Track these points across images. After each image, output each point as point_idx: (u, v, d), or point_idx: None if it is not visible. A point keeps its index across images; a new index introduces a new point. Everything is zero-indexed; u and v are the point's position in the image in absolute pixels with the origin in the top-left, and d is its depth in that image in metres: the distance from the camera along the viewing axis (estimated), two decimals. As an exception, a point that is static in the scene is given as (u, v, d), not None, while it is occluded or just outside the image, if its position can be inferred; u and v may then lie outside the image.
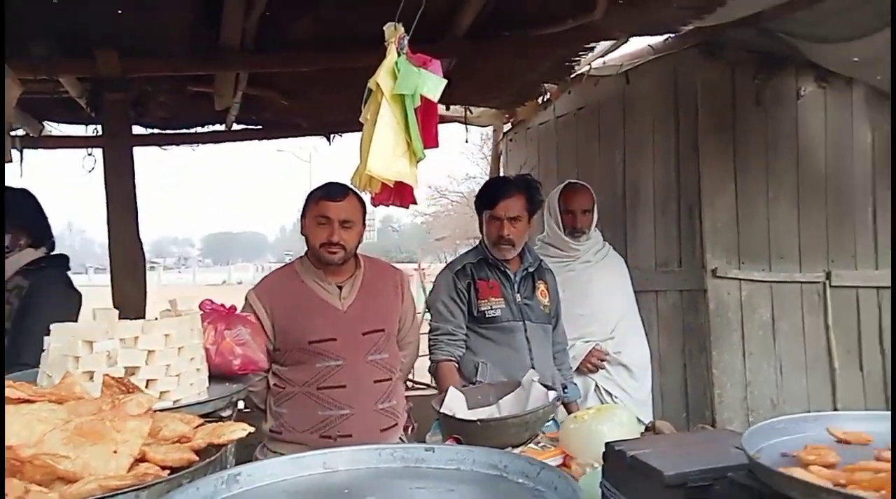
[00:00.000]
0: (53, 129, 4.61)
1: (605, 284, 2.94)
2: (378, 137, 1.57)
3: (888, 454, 1.12)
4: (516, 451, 1.51)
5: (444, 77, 3.86)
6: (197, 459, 1.14)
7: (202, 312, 1.89)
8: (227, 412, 1.70)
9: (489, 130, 6.06)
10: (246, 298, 2.32)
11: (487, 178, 6.23)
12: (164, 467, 1.10)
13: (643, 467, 1.38)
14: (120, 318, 1.77)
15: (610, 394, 2.85)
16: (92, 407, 1.23)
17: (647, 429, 2.14)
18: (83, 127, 4.41)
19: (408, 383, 5.64)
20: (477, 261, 2.64)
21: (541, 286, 2.69)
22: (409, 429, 2.41)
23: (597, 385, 2.88)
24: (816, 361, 3.62)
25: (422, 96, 1.59)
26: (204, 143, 4.69)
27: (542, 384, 1.65)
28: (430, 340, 2.59)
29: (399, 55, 1.59)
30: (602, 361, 2.86)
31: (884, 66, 2.88)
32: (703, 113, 3.38)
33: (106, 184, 3.20)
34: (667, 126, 3.57)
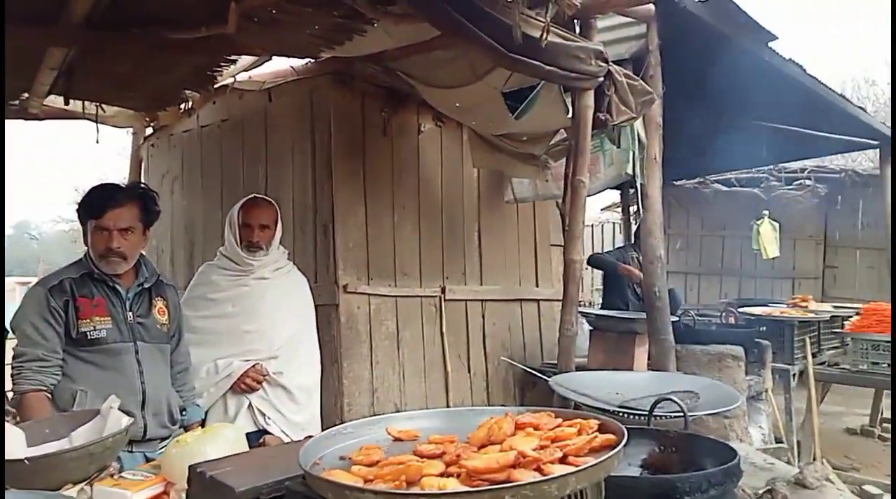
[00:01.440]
0: None
1: (278, 302, 2.86)
2: None
3: (424, 447, 1.28)
4: (76, 488, 1.36)
5: (66, 67, 3.42)
6: None
7: None
8: None
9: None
10: None
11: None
12: None
13: (219, 486, 1.37)
14: None
15: (263, 414, 2.77)
16: None
17: (258, 445, 2.15)
18: None
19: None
20: (80, 276, 2.35)
21: (158, 303, 2.50)
22: None
23: (251, 405, 2.78)
24: (433, 366, 4.09)
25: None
26: None
27: (122, 410, 1.51)
28: (13, 368, 2.21)
29: None
30: (258, 382, 2.77)
31: (475, 114, 3.42)
32: (336, 138, 3.59)
33: None
34: (305, 147, 3.70)
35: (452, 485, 1.01)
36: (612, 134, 3.37)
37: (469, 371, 4.36)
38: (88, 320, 2.30)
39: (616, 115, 3.02)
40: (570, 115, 3.14)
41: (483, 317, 4.44)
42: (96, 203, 2.37)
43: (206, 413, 2.73)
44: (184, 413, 2.53)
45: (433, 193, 4.13)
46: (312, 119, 3.66)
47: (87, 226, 2.38)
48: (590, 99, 2.93)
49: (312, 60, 3.63)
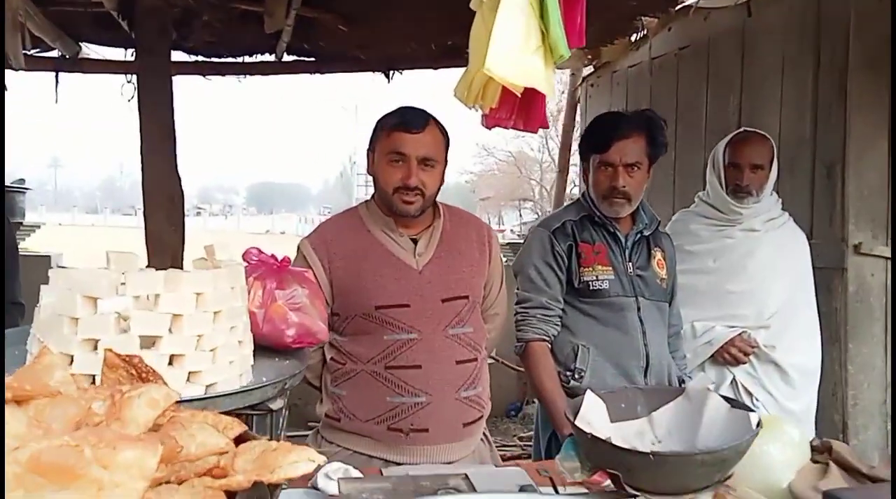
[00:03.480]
0: (92, 52, 4.20)
1: (771, 260, 2.38)
2: (501, 24, 1.04)
3: None
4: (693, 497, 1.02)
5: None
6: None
7: (246, 265, 1.44)
8: (278, 404, 1.26)
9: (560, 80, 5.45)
10: (298, 249, 1.86)
11: (563, 132, 5.63)
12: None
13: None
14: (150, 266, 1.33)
15: (750, 394, 2.31)
16: (73, 410, 0.78)
17: (815, 450, 1.65)
18: (123, 51, 4.01)
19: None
20: (579, 218, 2.13)
21: (657, 254, 2.17)
22: None
23: (734, 380, 2.34)
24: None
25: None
26: (252, 74, 4.22)
27: (723, 397, 1.14)
28: (518, 314, 2.10)
29: None
30: (746, 354, 2.32)
31: None
32: (854, 50, 2.75)
33: (140, 110, 2.77)
34: (803, 66, 2.95)
35: None
36: None
37: None
38: (591, 269, 2.07)
39: None
40: None
41: None
42: (601, 135, 2.11)
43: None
44: (682, 386, 2.16)
45: None
46: (817, 30, 2.88)
47: (589, 162, 2.14)
48: None
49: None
